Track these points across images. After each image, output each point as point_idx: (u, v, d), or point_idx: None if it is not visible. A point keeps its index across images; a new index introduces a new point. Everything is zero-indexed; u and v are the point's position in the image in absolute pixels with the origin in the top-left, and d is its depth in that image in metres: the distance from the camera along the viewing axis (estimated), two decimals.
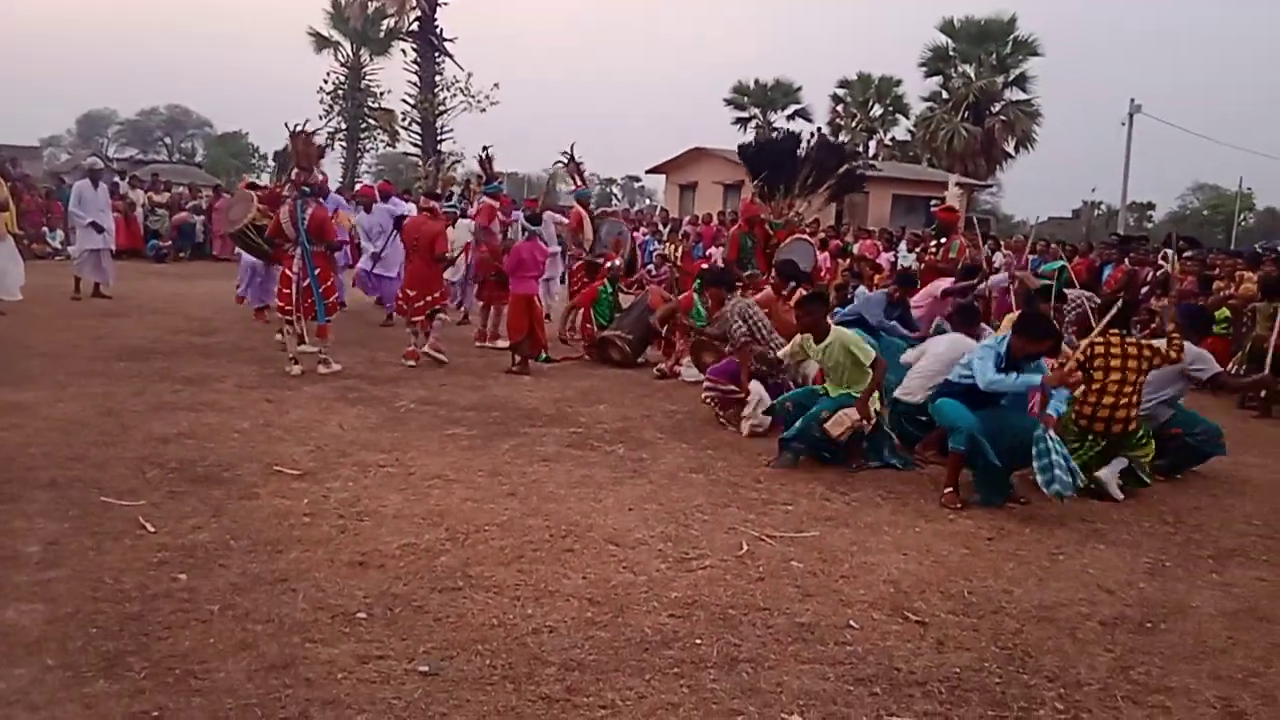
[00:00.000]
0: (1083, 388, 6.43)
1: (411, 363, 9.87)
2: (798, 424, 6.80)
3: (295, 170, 9.45)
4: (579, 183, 14.51)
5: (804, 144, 11.94)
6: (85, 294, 13.76)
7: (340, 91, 37.18)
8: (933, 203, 27.87)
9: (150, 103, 68.55)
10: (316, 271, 9.06)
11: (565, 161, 14.31)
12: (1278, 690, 3.82)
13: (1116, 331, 6.64)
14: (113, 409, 7.32)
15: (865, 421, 6.69)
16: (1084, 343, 6.59)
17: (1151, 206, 62.11)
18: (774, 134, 14.06)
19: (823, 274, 13.74)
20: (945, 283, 10.51)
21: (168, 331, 11.26)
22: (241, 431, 6.90)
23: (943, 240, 12.29)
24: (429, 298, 10.02)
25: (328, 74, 37.18)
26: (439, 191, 12.94)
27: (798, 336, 7.17)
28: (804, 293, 8.31)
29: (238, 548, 4.70)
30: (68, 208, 14.78)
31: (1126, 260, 14.26)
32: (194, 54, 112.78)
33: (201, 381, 8.49)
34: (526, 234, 10.31)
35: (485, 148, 12.92)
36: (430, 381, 9.13)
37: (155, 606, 3.99)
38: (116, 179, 22.97)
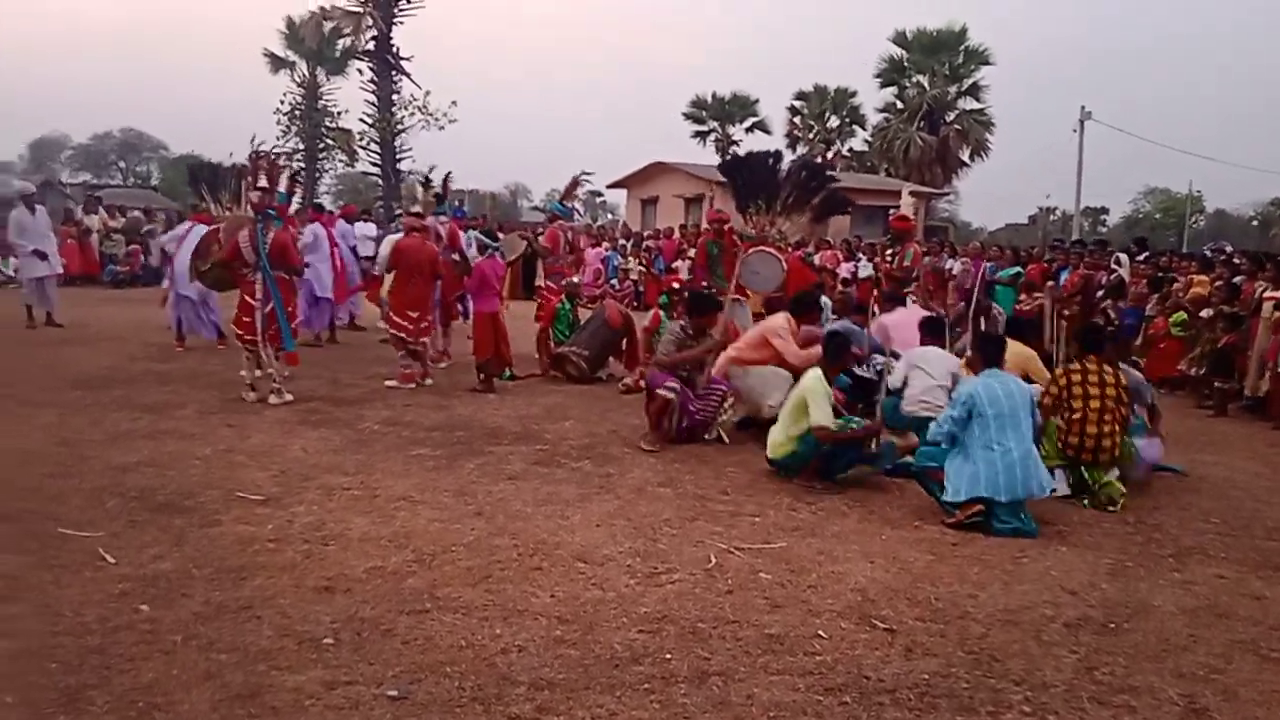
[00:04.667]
0: (1064, 416, 6.55)
1: (411, 385, 9.86)
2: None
3: (256, 193, 9.25)
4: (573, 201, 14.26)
5: (784, 163, 11.96)
6: (39, 322, 13.53)
7: (297, 112, 36.98)
8: (891, 211, 28.10)
9: (104, 126, 67.88)
10: (281, 297, 8.95)
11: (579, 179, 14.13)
12: (1239, 686, 3.89)
13: (1093, 357, 6.73)
14: (69, 439, 7.20)
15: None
16: (1058, 371, 6.71)
17: (1105, 211, 63.38)
18: (755, 151, 13.76)
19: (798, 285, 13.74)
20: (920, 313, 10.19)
21: (125, 359, 11.11)
22: (203, 458, 6.81)
23: (897, 248, 12.41)
24: (430, 319, 10.18)
25: (284, 94, 37.03)
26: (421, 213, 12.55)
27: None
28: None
29: (201, 576, 4.63)
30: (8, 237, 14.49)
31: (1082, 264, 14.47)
32: (147, 77, 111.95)
33: (161, 409, 8.38)
34: (487, 252, 10.29)
35: (430, 168, 12.77)
36: (394, 402, 9.07)
37: (117, 639, 3.93)
38: (70, 204, 22.67)
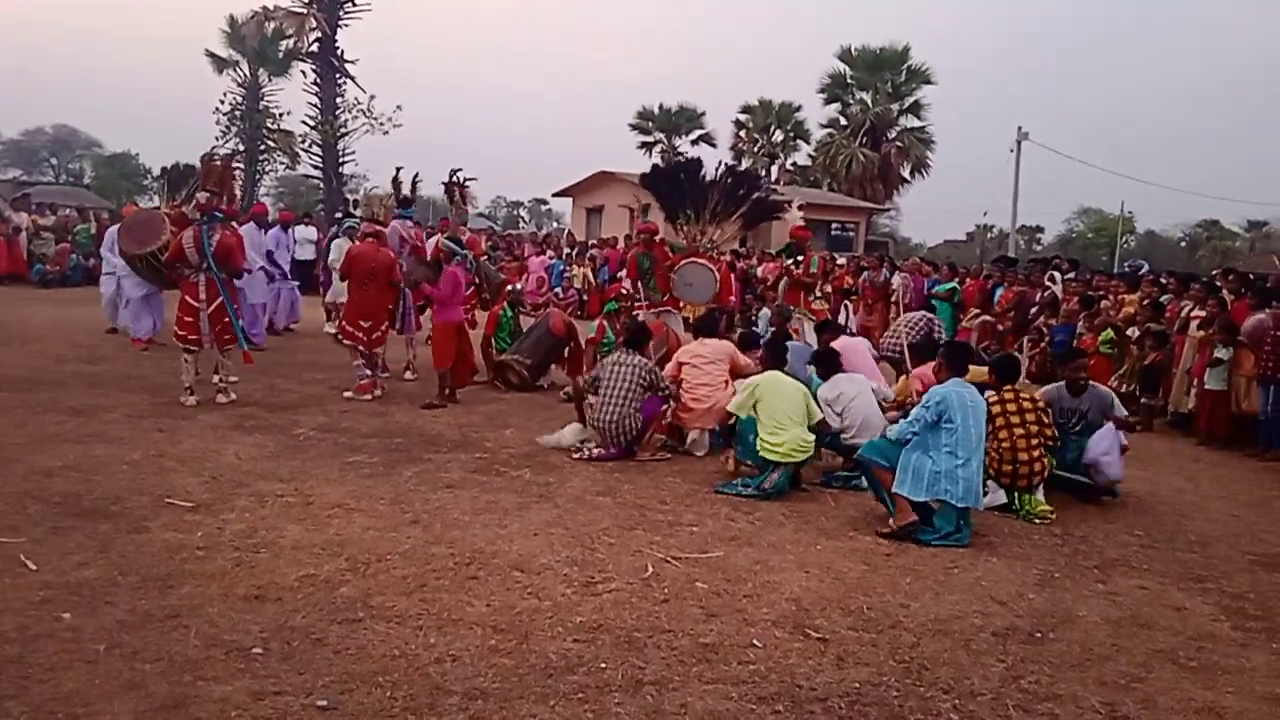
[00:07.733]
0: (994, 446, 6.63)
1: (368, 396, 9.49)
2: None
3: (204, 194, 9.06)
4: (463, 207, 13.27)
5: (710, 171, 11.96)
6: None
7: (238, 112, 36.29)
8: (833, 227, 28.65)
9: (35, 122, 65.82)
10: (229, 297, 8.81)
11: (454, 183, 13.00)
12: (1158, 695, 4.00)
13: (1011, 388, 6.88)
14: None
15: None
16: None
17: (1040, 229, 64.80)
18: (679, 159, 13.60)
19: (729, 297, 13.83)
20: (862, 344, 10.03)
21: (53, 360, 10.81)
22: (131, 463, 6.66)
23: (800, 257, 12.43)
24: (384, 328, 9.83)
25: (224, 94, 36.28)
26: (380, 218, 11.76)
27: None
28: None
29: (126, 584, 4.53)
30: None
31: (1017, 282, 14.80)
32: (82, 72, 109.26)
33: (89, 412, 8.17)
34: (456, 259, 9.89)
35: (399, 169, 12.19)
36: (331, 408, 8.95)
37: (36, 648, 3.82)
38: None
